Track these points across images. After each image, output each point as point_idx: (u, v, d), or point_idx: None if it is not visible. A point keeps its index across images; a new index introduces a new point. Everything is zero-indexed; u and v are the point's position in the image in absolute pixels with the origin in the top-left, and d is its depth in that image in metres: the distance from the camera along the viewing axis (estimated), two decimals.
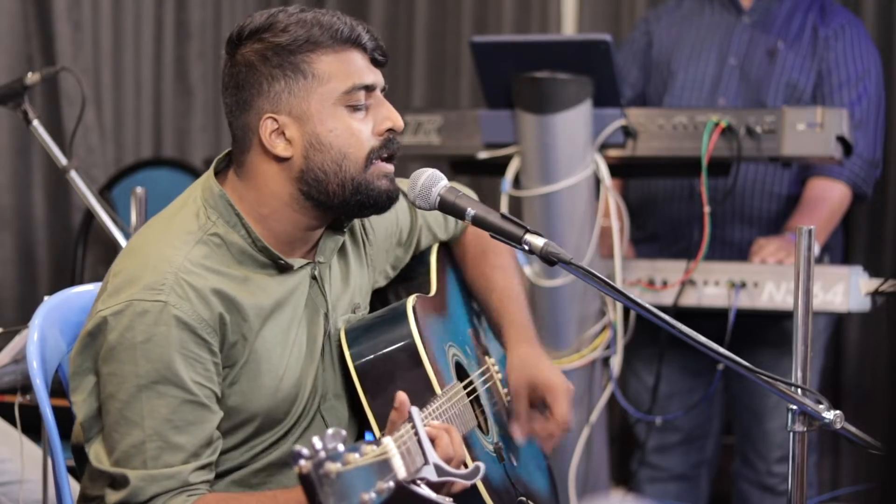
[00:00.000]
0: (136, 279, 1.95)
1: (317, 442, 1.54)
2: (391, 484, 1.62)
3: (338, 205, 2.03)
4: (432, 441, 1.85)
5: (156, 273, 1.95)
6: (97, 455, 1.98)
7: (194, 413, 1.94)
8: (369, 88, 2.03)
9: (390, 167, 2.05)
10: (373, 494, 1.58)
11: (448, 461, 1.88)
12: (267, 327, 2.02)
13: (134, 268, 1.97)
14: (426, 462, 1.75)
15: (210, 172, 2.07)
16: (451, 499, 1.78)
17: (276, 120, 2.00)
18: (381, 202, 2.06)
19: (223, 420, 1.99)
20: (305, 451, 1.53)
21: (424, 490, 1.73)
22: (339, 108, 2.01)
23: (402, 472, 1.66)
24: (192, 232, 2.01)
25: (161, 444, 1.92)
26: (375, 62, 2.05)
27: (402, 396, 1.93)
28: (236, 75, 2.03)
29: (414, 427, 1.76)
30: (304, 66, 1.99)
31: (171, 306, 1.92)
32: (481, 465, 1.86)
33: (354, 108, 2.01)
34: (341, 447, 1.57)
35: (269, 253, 2.03)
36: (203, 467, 1.96)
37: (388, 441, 1.68)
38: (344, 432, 1.58)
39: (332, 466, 1.54)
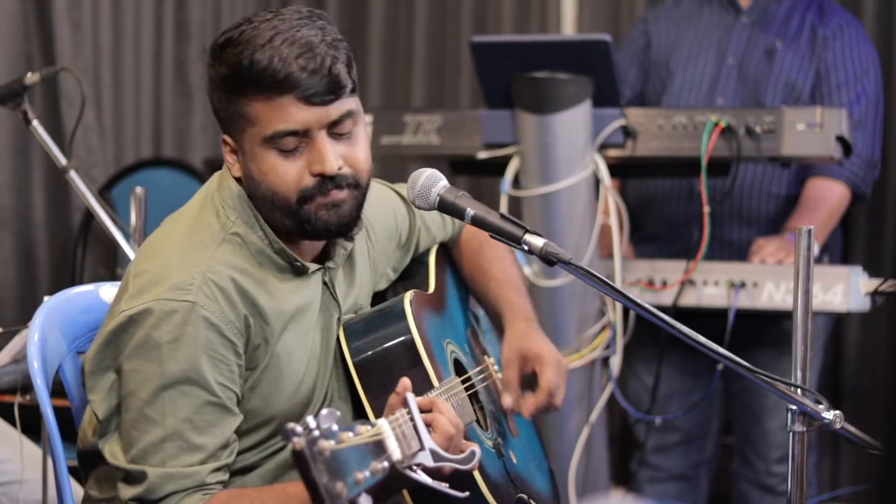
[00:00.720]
0: (163, 279, 1.95)
1: (311, 421, 1.54)
2: (386, 464, 1.62)
3: (288, 226, 2.02)
4: (429, 426, 1.85)
5: (183, 273, 1.95)
6: (112, 451, 1.98)
7: (216, 414, 1.95)
8: (299, 133, 1.96)
9: (335, 197, 1.99)
10: (367, 473, 1.58)
11: (450, 438, 1.88)
12: (288, 332, 2.03)
13: (159, 268, 1.97)
14: (422, 447, 1.74)
15: (226, 171, 2.07)
16: (448, 483, 1.78)
17: (228, 143, 2.03)
18: (328, 232, 2.03)
19: (241, 421, 2.00)
20: (299, 428, 1.53)
21: (421, 476, 1.72)
22: (267, 150, 1.98)
23: (396, 453, 1.66)
24: (216, 231, 2.01)
25: (181, 444, 1.93)
26: (318, 102, 1.95)
27: (405, 382, 1.93)
28: (207, 89, 2.04)
29: (410, 413, 1.76)
30: (237, 107, 1.98)
31: (199, 307, 1.93)
32: (476, 448, 1.86)
33: (283, 152, 1.97)
34: (335, 426, 1.57)
35: (286, 255, 2.03)
36: (220, 468, 1.97)
37: (382, 422, 1.67)
38: (338, 413, 1.58)
39: (326, 444, 1.54)
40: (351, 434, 1.59)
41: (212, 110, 2.04)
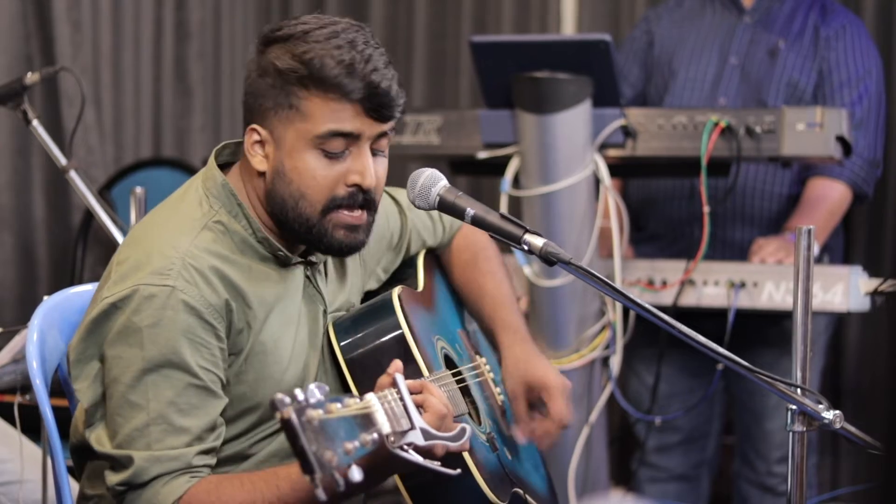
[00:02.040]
0: (143, 265, 1.96)
1: (298, 392, 1.55)
2: (375, 436, 1.61)
3: (296, 232, 2.04)
4: (420, 407, 1.86)
5: (163, 258, 1.96)
6: (99, 439, 1.98)
7: (199, 397, 1.95)
8: (350, 137, 1.99)
9: (354, 218, 2.02)
10: (357, 443, 1.58)
11: (441, 418, 1.89)
12: (271, 319, 2.04)
13: (140, 255, 1.98)
14: (412, 427, 1.74)
15: (212, 161, 2.09)
16: (440, 462, 1.78)
17: (259, 133, 2.02)
18: (333, 250, 2.06)
19: (227, 408, 2.01)
20: (287, 398, 1.54)
21: (413, 456, 1.72)
22: (311, 148, 1.99)
23: (385, 426, 1.66)
24: (197, 219, 2.02)
25: (165, 427, 1.93)
26: (375, 117, 2.00)
27: (397, 363, 1.95)
28: (250, 75, 2.04)
29: (399, 392, 1.76)
30: (293, 99, 1.99)
31: (178, 291, 1.94)
32: (466, 426, 1.86)
33: (328, 154, 1.99)
34: (323, 398, 1.57)
35: (269, 244, 2.04)
36: (206, 451, 1.97)
37: (370, 396, 1.68)
38: (326, 387, 1.59)
39: (315, 413, 1.54)
40: (339, 405, 1.59)
41: (246, 95, 2.03)
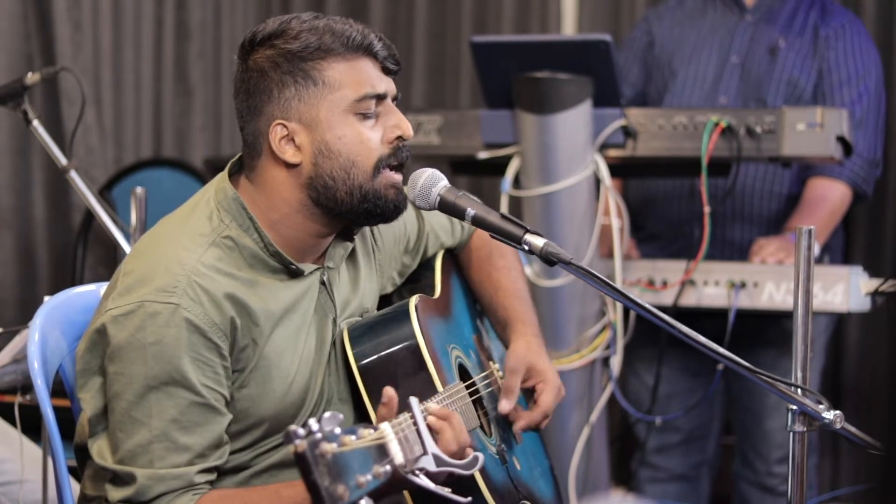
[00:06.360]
0: (148, 280, 1.95)
1: (313, 423, 1.55)
2: (388, 468, 1.62)
3: (346, 212, 2.04)
4: (436, 433, 1.86)
5: (168, 275, 1.95)
6: (100, 451, 1.98)
7: (202, 415, 1.95)
8: (380, 97, 2.03)
9: (398, 177, 2.06)
10: (369, 476, 1.58)
11: (459, 449, 1.89)
12: (277, 332, 2.03)
13: (146, 268, 1.97)
14: (425, 452, 1.75)
15: (224, 175, 2.08)
16: (450, 489, 1.79)
17: (285, 126, 2.01)
18: (389, 211, 2.06)
19: (231, 423, 2.00)
20: (301, 430, 1.54)
21: (423, 480, 1.73)
22: (349, 115, 2.01)
23: (399, 457, 1.67)
24: (206, 234, 2.01)
25: (168, 445, 1.93)
26: (387, 70, 2.06)
27: (389, 391, 1.93)
28: (247, 81, 2.03)
29: (413, 417, 1.76)
30: (315, 74, 2.00)
31: (182, 309, 1.93)
32: (480, 455, 1.86)
33: (364, 116, 2.02)
34: (337, 429, 1.57)
35: (281, 258, 2.03)
36: (209, 469, 1.97)
37: (385, 426, 1.68)
38: (341, 416, 1.59)
39: (328, 447, 1.54)
40: (353, 437, 1.59)
41: (251, 100, 2.02)
